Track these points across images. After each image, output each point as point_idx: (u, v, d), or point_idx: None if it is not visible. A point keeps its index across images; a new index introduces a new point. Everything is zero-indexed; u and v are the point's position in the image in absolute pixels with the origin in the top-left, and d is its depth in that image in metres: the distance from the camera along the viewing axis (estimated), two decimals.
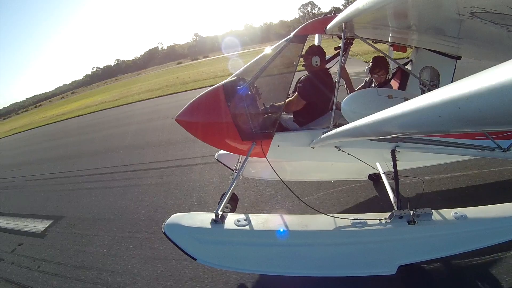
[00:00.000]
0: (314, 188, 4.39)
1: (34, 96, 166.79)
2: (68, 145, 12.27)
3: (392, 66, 3.94)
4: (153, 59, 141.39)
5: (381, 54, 3.06)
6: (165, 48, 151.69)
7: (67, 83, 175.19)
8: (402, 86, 3.30)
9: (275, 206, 4.10)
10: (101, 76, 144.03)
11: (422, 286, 2.62)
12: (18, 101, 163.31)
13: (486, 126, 0.87)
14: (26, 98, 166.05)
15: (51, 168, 8.97)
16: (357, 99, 2.38)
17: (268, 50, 3.33)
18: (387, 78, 3.47)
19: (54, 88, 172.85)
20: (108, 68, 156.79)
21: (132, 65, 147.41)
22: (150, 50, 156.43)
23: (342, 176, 4.24)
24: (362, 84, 3.89)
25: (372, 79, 3.63)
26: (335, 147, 2.95)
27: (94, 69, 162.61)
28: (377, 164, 3.48)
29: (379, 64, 3.40)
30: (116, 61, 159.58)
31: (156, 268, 3.27)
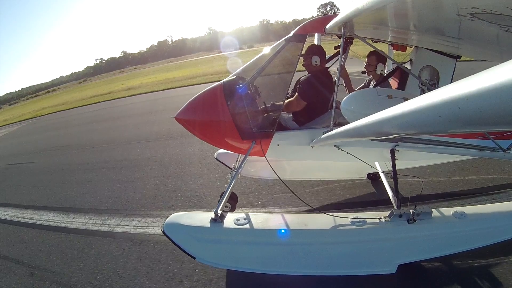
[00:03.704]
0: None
1: (31, 86, 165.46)
2: None
3: (391, 65, 3.95)
4: (161, 52, 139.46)
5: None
6: (174, 41, 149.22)
7: (65, 75, 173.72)
8: (402, 86, 3.31)
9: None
10: (106, 68, 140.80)
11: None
12: (14, 91, 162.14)
13: (486, 126, 0.87)
14: (22, 88, 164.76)
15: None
16: (356, 99, 2.39)
17: (267, 49, 3.33)
18: (381, 73, 3.50)
19: (51, 79, 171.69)
20: (112, 60, 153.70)
21: (140, 58, 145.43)
22: (159, 43, 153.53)
23: (341, 175, 4.26)
24: (363, 84, 3.90)
25: (372, 79, 3.65)
26: (335, 146, 2.96)
27: (98, 61, 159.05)
28: (376, 163, 3.49)
29: (369, 54, 3.49)
30: (122, 53, 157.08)
31: None
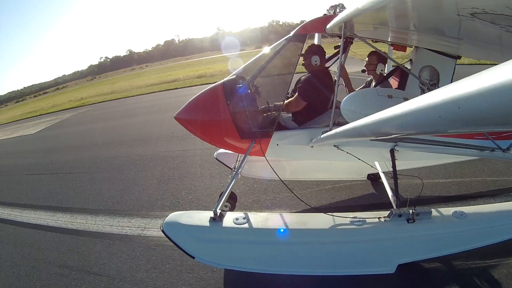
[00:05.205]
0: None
1: (33, 85, 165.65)
2: None
3: (391, 65, 3.96)
4: (169, 51, 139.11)
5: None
6: (180, 41, 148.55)
7: (67, 73, 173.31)
8: (402, 86, 3.31)
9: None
10: (111, 67, 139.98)
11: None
12: (16, 90, 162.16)
13: (486, 126, 0.87)
14: (24, 87, 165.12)
15: None
16: (356, 99, 2.39)
17: (267, 49, 3.34)
18: (381, 72, 3.51)
19: (54, 78, 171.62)
20: (117, 58, 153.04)
21: (146, 57, 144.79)
22: (165, 42, 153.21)
23: (341, 175, 4.26)
24: (364, 84, 3.91)
25: (372, 80, 3.65)
26: (334, 146, 2.96)
27: (102, 59, 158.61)
28: (376, 163, 3.49)
29: (370, 54, 3.49)
30: (128, 52, 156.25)
31: None
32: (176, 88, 20.99)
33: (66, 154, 9.25)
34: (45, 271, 3.52)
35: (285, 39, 3.09)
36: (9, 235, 4.71)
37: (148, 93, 21.96)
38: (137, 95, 22.20)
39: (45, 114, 25.14)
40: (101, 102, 23.39)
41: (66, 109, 24.49)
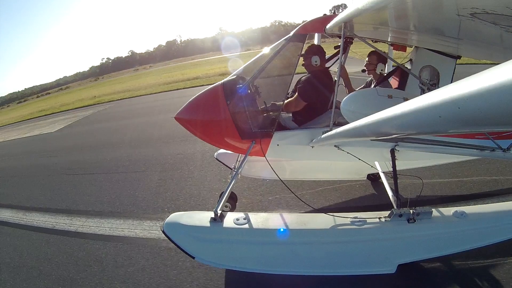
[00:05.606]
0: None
1: (34, 86, 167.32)
2: None
3: (391, 65, 3.96)
4: (171, 52, 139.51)
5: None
6: (182, 41, 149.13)
7: (68, 75, 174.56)
8: (402, 86, 3.31)
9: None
10: (112, 68, 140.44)
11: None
12: (17, 91, 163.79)
13: (486, 126, 0.87)
14: (25, 88, 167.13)
15: None
16: (356, 99, 2.39)
17: (267, 49, 3.34)
18: (381, 72, 3.51)
19: (55, 79, 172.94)
20: (119, 59, 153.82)
21: (148, 57, 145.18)
22: (167, 42, 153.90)
23: (341, 175, 4.26)
24: (364, 84, 3.91)
25: (372, 80, 3.66)
26: (335, 146, 2.96)
27: (104, 60, 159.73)
28: (376, 163, 3.49)
29: (370, 53, 3.50)
30: (130, 53, 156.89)
31: None
32: (202, 85, 19.78)
33: (91, 153, 8.87)
34: None
35: (285, 39, 3.09)
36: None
37: (169, 90, 21.30)
38: (156, 93, 21.67)
39: (58, 112, 24.74)
40: (118, 100, 22.87)
41: (79, 108, 24.08)
